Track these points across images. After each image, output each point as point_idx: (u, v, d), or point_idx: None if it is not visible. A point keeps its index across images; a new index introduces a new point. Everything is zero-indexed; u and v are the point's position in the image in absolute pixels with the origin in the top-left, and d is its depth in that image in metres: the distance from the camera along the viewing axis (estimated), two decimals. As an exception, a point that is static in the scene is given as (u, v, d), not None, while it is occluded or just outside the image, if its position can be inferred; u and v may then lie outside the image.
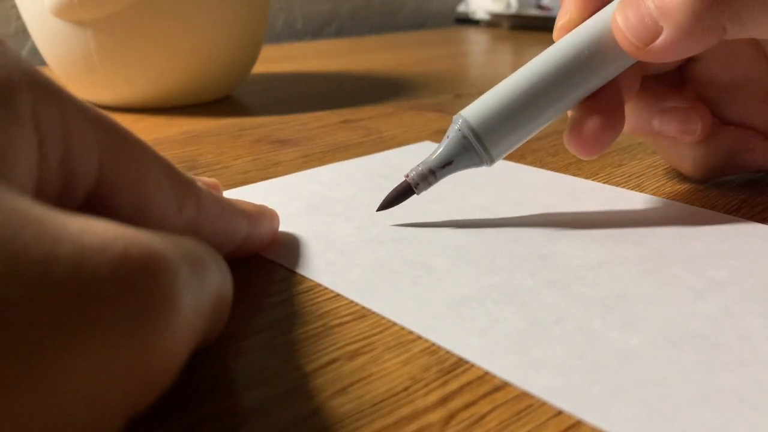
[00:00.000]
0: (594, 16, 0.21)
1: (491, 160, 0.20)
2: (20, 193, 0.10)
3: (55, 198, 0.13)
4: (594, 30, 0.20)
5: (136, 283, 0.09)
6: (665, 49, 0.19)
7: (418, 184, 0.20)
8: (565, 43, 0.20)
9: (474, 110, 0.20)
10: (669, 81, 0.24)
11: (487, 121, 0.20)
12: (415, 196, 0.21)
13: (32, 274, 0.08)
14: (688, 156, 0.24)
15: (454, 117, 0.20)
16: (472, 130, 0.20)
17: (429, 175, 0.20)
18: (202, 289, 0.11)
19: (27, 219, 0.09)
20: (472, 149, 0.20)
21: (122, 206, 0.14)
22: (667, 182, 0.26)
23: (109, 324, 0.09)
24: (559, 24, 0.21)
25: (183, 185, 0.15)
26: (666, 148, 0.25)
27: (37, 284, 0.08)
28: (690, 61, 0.23)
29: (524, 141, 0.21)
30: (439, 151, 0.20)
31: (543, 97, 0.20)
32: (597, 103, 0.21)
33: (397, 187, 0.21)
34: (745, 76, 0.23)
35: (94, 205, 0.13)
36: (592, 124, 0.20)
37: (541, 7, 0.85)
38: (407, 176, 0.21)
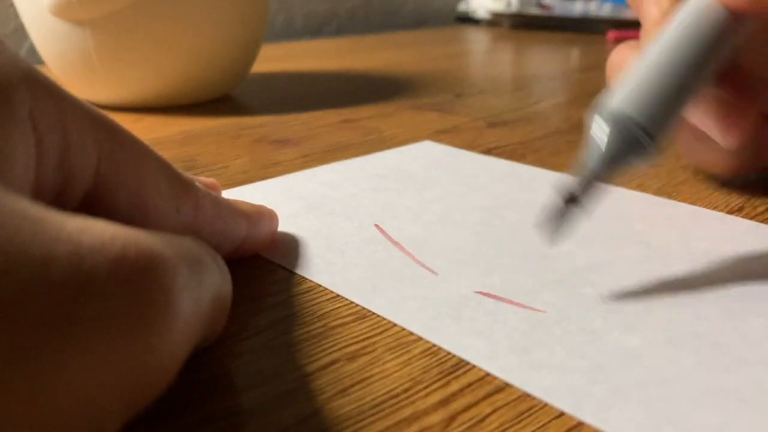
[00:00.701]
0: (686, 3, 0.20)
1: (657, 150, 0.17)
2: (18, 193, 0.10)
3: (53, 197, 0.13)
4: (696, 8, 0.19)
5: (134, 283, 0.09)
6: None
7: (581, 192, 0.17)
8: (674, 24, 0.19)
9: (624, 98, 0.17)
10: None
11: (644, 107, 0.17)
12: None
13: (30, 273, 0.08)
14: (721, 152, 0.23)
15: (594, 113, 0.18)
16: (631, 120, 0.17)
17: (593, 180, 0.17)
18: (201, 289, 0.11)
19: (25, 218, 0.09)
20: (635, 142, 0.17)
21: (120, 206, 0.14)
22: (668, 182, 0.25)
23: (107, 324, 0.09)
24: (652, 18, 0.20)
25: (181, 185, 0.15)
26: (696, 147, 0.23)
27: (35, 284, 0.08)
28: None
29: (678, 122, 0.18)
30: (595, 152, 0.17)
31: (686, 69, 0.18)
32: (736, 82, 0.19)
33: (556, 206, 0.17)
34: None
35: (92, 204, 0.13)
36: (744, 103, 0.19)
37: (541, 6, 0.85)
38: (564, 195, 0.17)
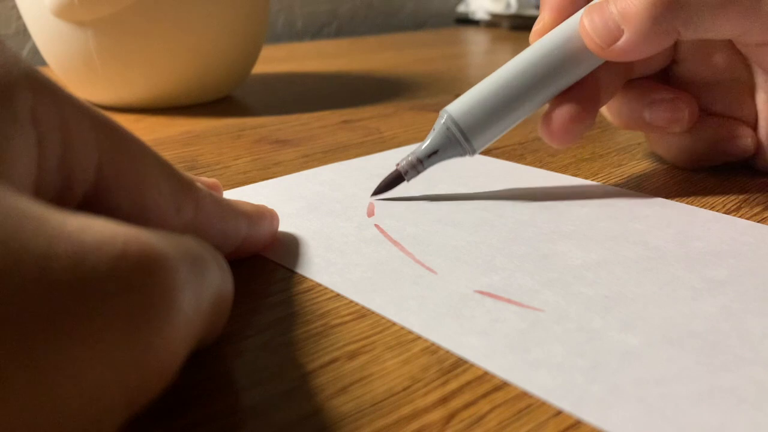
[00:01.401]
0: (565, 22, 0.23)
1: (473, 151, 0.23)
2: (19, 192, 0.10)
3: (53, 197, 0.13)
4: (564, 33, 0.23)
5: (134, 281, 0.09)
6: (625, 50, 0.21)
7: (407, 171, 0.23)
8: (539, 45, 0.23)
9: (457, 105, 0.23)
10: (656, 80, 0.25)
11: (469, 115, 0.23)
12: (405, 183, 0.23)
13: (31, 270, 0.08)
14: (676, 145, 0.26)
15: (441, 111, 0.23)
16: (456, 123, 0.23)
17: (417, 164, 0.23)
18: (202, 287, 0.11)
19: (26, 217, 0.09)
20: (456, 141, 0.23)
21: (121, 206, 0.14)
22: (666, 182, 0.26)
23: (108, 321, 0.09)
24: (534, 29, 0.24)
25: (182, 185, 0.15)
26: (656, 140, 0.27)
27: (36, 281, 0.08)
28: (673, 62, 0.25)
29: (502, 134, 0.23)
30: (426, 143, 0.23)
31: (519, 93, 0.22)
32: (568, 98, 0.23)
33: (389, 175, 0.23)
34: (725, 74, 0.24)
35: (92, 204, 0.13)
36: (561, 115, 0.23)
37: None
38: (398, 165, 0.23)
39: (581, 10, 0.23)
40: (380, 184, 0.23)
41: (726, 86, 0.25)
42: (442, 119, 0.23)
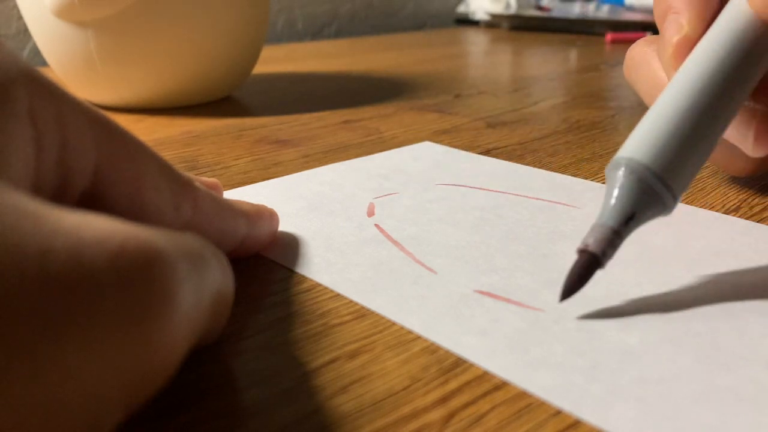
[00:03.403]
0: (721, 17, 0.19)
1: (675, 201, 0.16)
2: (17, 189, 0.10)
3: (51, 195, 0.13)
4: (729, 25, 0.18)
5: (133, 277, 0.09)
6: None
7: (605, 251, 0.16)
8: (703, 52, 0.18)
9: (640, 148, 0.16)
10: None
11: (660, 155, 0.16)
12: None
13: (29, 267, 0.08)
14: (741, 156, 0.22)
15: (612, 163, 0.17)
16: (650, 170, 0.16)
17: (614, 238, 0.16)
18: (202, 284, 0.11)
19: (24, 213, 0.09)
20: (654, 193, 0.16)
21: (119, 205, 0.14)
22: (666, 182, 0.26)
23: (106, 317, 0.09)
24: (675, 40, 0.19)
25: (180, 184, 0.15)
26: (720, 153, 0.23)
27: (33, 277, 0.08)
28: None
29: (700, 168, 0.17)
30: (613, 205, 0.16)
31: (709, 110, 0.17)
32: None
33: (577, 263, 0.16)
34: None
35: (90, 203, 0.13)
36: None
37: (540, 7, 0.85)
38: (586, 246, 0.16)
39: None
40: (570, 279, 0.16)
41: None
42: (620, 170, 0.16)
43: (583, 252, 0.16)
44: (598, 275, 0.16)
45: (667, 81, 0.20)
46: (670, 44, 0.19)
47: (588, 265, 0.16)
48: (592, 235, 0.16)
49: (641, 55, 0.22)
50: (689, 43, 0.19)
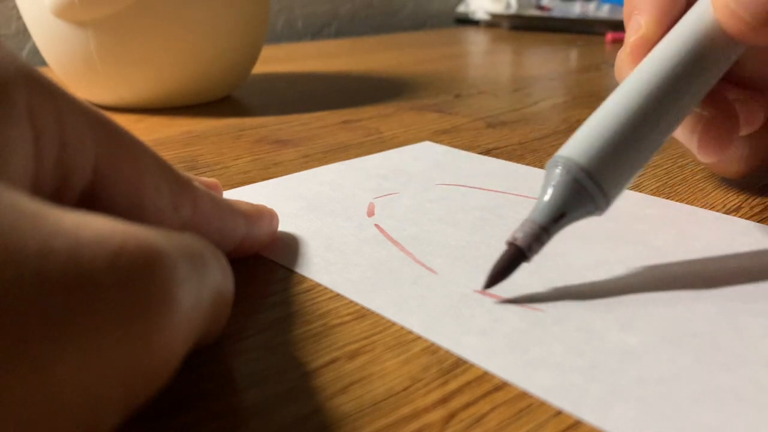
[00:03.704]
0: (683, 20, 0.18)
1: (606, 204, 0.17)
2: (16, 188, 0.10)
3: (50, 194, 0.13)
4: (689, 30, 0.18)
5: (132, 277, 0.09)
6: None
7: (530, 245, 0.16)
8: (657, 55, 0.18)
9: (576, 148, 0.17)
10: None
11: (596, 157, 0.16)
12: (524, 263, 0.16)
13: (28, 267, 0.08)
14: (730, 152, 0.22)
15: (551, 161, 0.17)
16: (584, 170, 0.16)
17: (541, 234, 0.16)
18: (201, 284, 0.11)
19: (23, 213, 0.09)
20: (587, 193, 0.16)
21: (118, 204, 0.14)
22: (666, 182, 0.26)
23: (105, 317, 0.09)
24: (631, 40, 0.19)
25: (179, 184, 0.15)
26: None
27: (33, 277, 0.08)
28: (740, 61, 0.21)
29: (636, 175, 0.17)
30: (546, 202, 0.16)
31: (652, 114, 0.17)
32: (720, 102, 0.19)
33: (504, 255, 0.16)
34: None
35: (89, 203, 0.13)
36: (723, 121, 0.19)
37: (540, 7, 0.85)
38: (514, 240, 0.16)
39: (698, 3, 0.18)
40: (494, 270, 0.16)
41: None
42: (557, 168, 0.16)
43: (510, 245, 0.16)
44: (599, 276, 0.16)
45: None
46: (627, 44, 0.19)
47: (514, 258, 0.16)
48: (522, 230, 0.16)
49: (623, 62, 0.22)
50: (646, 44, 0.19)
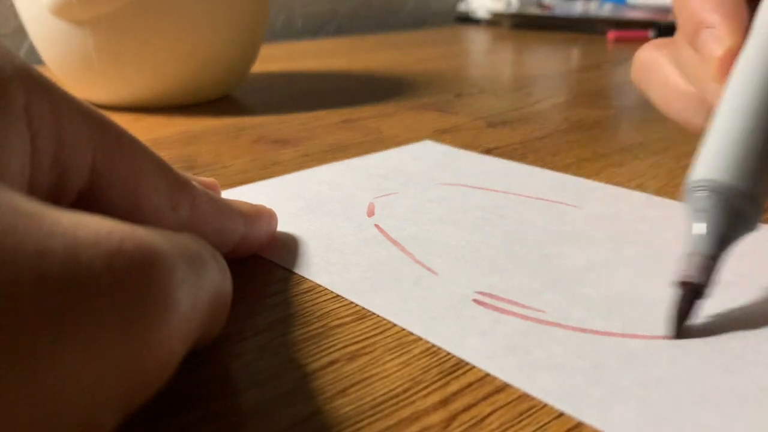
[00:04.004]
0: (759, 24, 0.18)
1: (760, 217, 0.16)
2: (13, 188, 0.10)
3: (48, 193, 0.12)
4: None
5: (130, 277, 0.09)
6: None
7: (705, 280, 0.15)
8: (754, 60, 0.18)
9: (715, 167, 0.16)
10: None
11: (742, 172, 0.16)
12: None
13: (25, 267, 0.08)
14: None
15: (689, 186, 0.16)
16: (736, 190, 0.15)
17: (711, 264, 0.15)
18: (200, 285, 0.11)
19: (20, 213, 0.09)
20: (743, 213, 0.16)
21: (116, 204, 0.14)
22: (668, 182, 0.25)
23: (103, 318, 0.09)
24: (718, 54, 0.19)
25: (178, 184, 0.15)
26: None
27: (30, 277, 0.08)
28: None
29: None
30: (704, 232, 0.15)
31: None
32: None
33: (679, 298, 0.15)
34: None
35: (87, 202, 0.13)
36: None
37: (542, 6, 0.85)
38: (684, 278, 0.15)
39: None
40: (677, 314, 0.15)
41: None
42: (702, 192, 0.16)
43: (685, 284, 0.15)
44: (601, 276, 0.16)
45: (691, 90, 0.20)
46: (714, 59, 0.19)
47: (691, 296, 0.15)
48: (688, 267, 0.15)
49: (653, 60, 0.22)
50: (733, 55, 0.18)
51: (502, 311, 0.16)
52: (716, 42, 0.19)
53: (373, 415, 0.12)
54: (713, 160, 0.16)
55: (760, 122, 0.16)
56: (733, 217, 0.15)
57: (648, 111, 0.37)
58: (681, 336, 0.15)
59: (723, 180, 0.16)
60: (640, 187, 0.25)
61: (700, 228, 0.15)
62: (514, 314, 0.16)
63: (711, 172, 0.16)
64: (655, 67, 0.22)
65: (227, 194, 0.24)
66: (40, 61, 0.47)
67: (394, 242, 0.20)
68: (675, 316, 0.15)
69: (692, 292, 0.15)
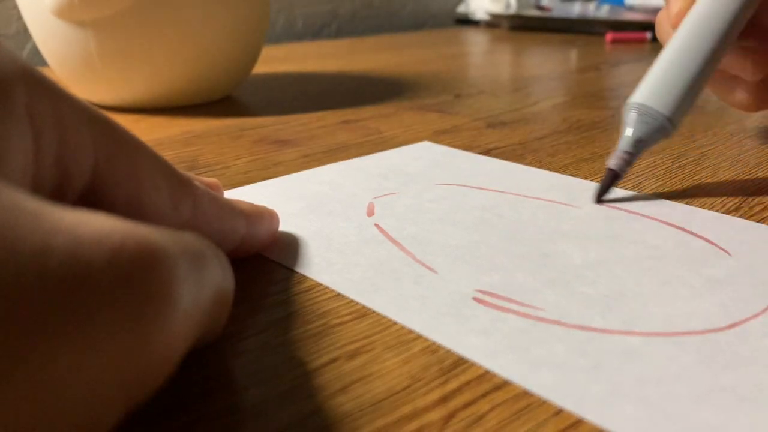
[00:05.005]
0: None
1: (674, 126, 0.24)
2: (16, 186, 0.10)
3: (50, 193, 0.13)
4: None
5: (132, 275, 0.09)
6: None
7: (622, 167, 0.23)
8: (693, 13, 0.25)
9: (640, 92, 0.24)
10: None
11: (656, 94, 0.23)
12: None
13: (28, 265, 0.08)
14: (742, 87, 0.27)
15: (626, 105, 0.24)
16: (646, 106, 0.23)
17: (628, 157, 0.23)
18: (202, 283, 0.11)
19: (23, 210, 0.09)
20: (654, 123, 0.23)
21: (118, 203, 0.14)
22: (666, 182, 0.26)
23: (105, 315, 0.09)
24: (675, 11, 0.26)
25: (179, 184, 0.15)
26: (723, 85, 0.28)
27: (32, 274, 0.08)
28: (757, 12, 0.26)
29: (694, 100, 0.24)
30: (626, 134, 0.24)
31: (696, 55, 0.24)
32: (755, 33, 0.25)
33: (605, 178, 0.23)
34: None
35: (89, 202, 0.13)
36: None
37: (540, 7, 0.85)
38: (609, 165, 0.23)
39: None
40: (600, 188, 0.23)
41: None
42: (632, 111, 0.24)
43: (609, 170, 0.23)
44: (599, 275, 0.16)
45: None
46: (672, 14, 0.26)
47: (611, 177, 0.23)
48: (615, 157, 0.23)
49: (660, 18, 0.28)
50: (684, 12, 0.25)
51: (502, 309, 0.16)
52: (676, 4, 0.26)
53: (373, 412, 0.13)
54: (645, 88, 0.24)
55: (683, 62, 0.24)
56: (650, 130, 0.23)
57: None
58: (599, 202, 0.23)
59: (648, 104, 0.23)
60: (638, 187, 0.25)
61: (627, 132, 0.24)
62: (514, 312, 0.16)
63: (641, 98, 0.24)
64: (660, 22, 0.28)
65: (229, 194, 0.24)
66: (43, 62, 0.48)
67: (394, 242, 0.20)
68: (598, 189, 0.23)
69: (613, 175, 0.23)
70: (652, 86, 0.24)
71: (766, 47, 0.25)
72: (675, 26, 0.25)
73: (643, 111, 0.23)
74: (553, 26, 0.81)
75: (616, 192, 0.24)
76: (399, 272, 0.18)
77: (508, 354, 0.14)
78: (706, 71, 0.24)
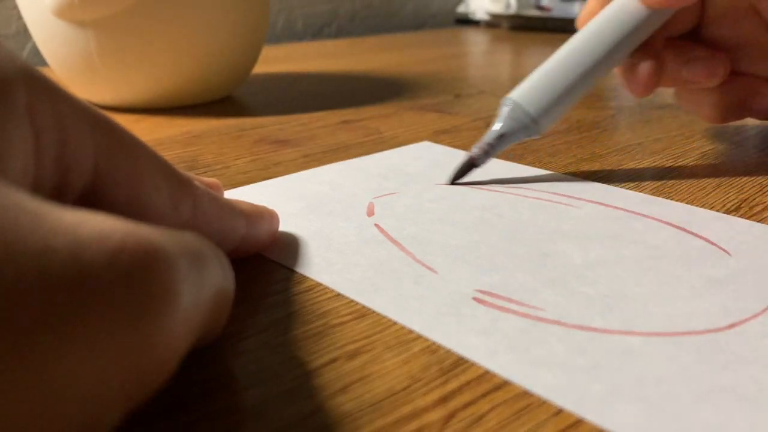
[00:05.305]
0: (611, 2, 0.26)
1: (539, 131, 0.25)
2: (16, 187, 0.10)
3: (50, 193, 0.13)
4: (615, 6, 0.25)
5: (133, 275, 0.09)
6: None
7: (479, 156, 0.25)
8: (590, 23, 0.25)
9: (518, 89, 0.25)
10: (689, 40, 0.28)
11: (530, 96, 0.25)
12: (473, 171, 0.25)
13: (28, 265, 0.08)
14: (706, 101, 0.28)
15: (503, 99, 0.25)
16: (519, 105, 0.25)
17: (488, 149, 0.25)
18: (202, 283, 0.11)
19: (23, 211, 0.09)
20: (521, 122, 0.25)
21: (118, 204, 0.14)
22: (666, 182, 0.26)
23: (106, 315, 0.09)
24: (581, 15, 0.27)
25: (179, 184, 0.15)
26: (688, 97, 0.29)
27: (33, 275, 0.08)
28: (702, 25, 0.27)
29: (566, 110, 0.25)
30: (493, 128, 0.25)
31: (576, 69, 0.25)
32: (646, 53, 0.25)
33: (462, 162, 0.25)
34: (748, 38, 0.27)
35: (89, 202, 0.13)
36: (645, 68, 0.25)
37: (540, 7, 0.85)
38: (470, 152, 0.25)
39: None
40: (455, 171, 0.25)
41: (750, 50, 0.27)
42: (505, 105, 0.25)
43: (468, 157, 0.25)
44: (599, 275, 0.16)
45: None
46: (579, 19, 0.27)
47: (467, 164, 0.25)
48: (477, 146, 0.25)
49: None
50: (590, 15, 0.26)
51: (502, 309, 0.16)
52: (588, 4, 0.27)
53: (372, 412, 0.13)
54: (523, 86, 0.25)
55: (565, 68, 0.25)
56: (516, 127, 0.25)
57: (646, 112, 0.37)
58: (453, 183, 0.25)
59: (520, 102, 0.25)
60: (638, 187, 0.25)
61: (495, 125, 0.25)
62: (514, 312, 0.16)
63: (516, 95, 0.25)
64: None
65: (229, 194, 0.24)
66: (43, 63, 0.48)
67: (394, 242, 0.20)
68: (454, 172, 0.25)
69: (470, 163, 0.25)
70: (530, 86, 0.25)
71: (716, 56, 0.26)
72: (579, 27, 0.26)
73: (515, 108, 0.25)
74: (553, 26, 0.81)
75: (616, 192, 0.24)
76: (399, 272, 0.18)
77: (508, 354, 0.14)
78: (587, 82, 0.25)
